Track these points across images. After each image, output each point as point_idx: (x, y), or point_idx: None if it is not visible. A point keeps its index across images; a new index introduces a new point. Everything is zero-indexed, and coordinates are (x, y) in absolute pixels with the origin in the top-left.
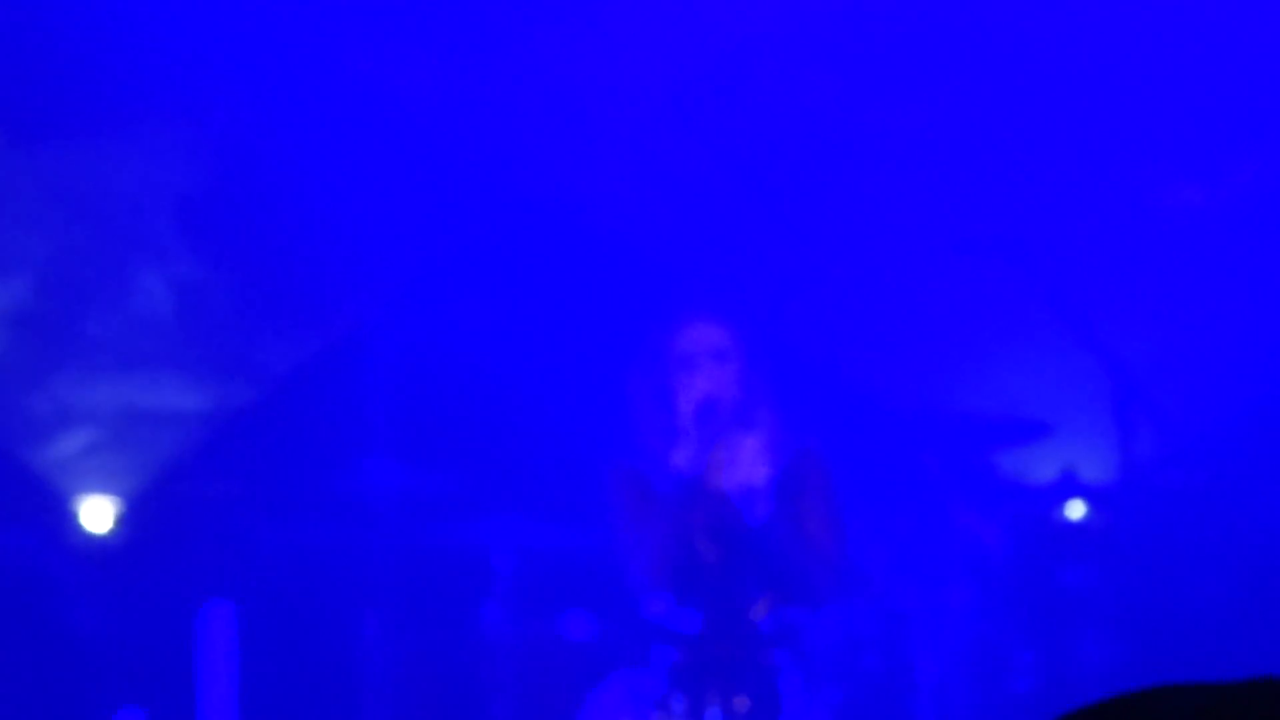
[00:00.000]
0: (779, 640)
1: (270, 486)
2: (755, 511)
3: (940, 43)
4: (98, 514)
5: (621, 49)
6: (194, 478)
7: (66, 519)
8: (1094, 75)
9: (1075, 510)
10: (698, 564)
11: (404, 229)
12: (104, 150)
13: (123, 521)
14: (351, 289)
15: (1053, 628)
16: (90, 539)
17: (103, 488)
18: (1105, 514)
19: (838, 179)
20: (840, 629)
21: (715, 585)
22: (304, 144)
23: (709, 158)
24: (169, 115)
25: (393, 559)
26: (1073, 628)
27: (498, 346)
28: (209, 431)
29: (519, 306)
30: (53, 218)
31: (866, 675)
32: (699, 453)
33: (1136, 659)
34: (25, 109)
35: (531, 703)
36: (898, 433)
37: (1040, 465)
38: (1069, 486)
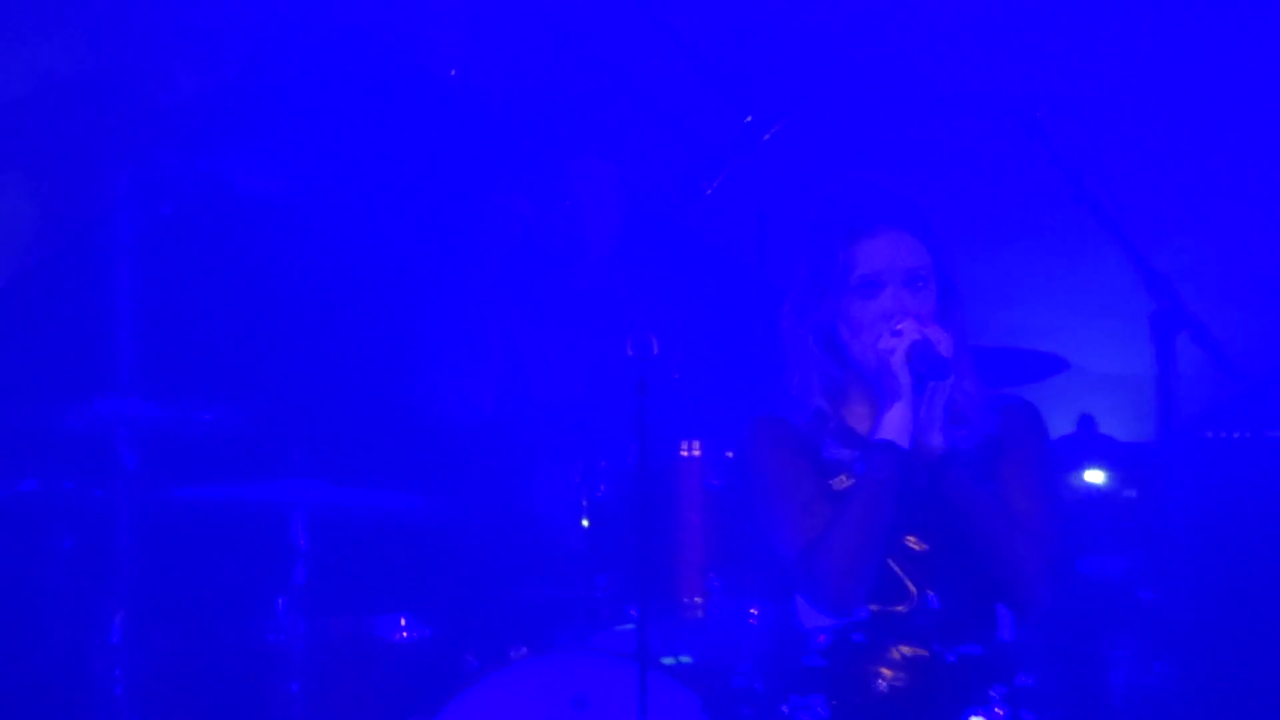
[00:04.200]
0: (995, 668)
1: None
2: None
3: None
4: None
5: None
6: None
7: None
8: None
9: (1094, 478)
10: (907, 563)
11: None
12: None
13: None
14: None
15: (1069, 634)
16: None
17: None
18: (1134, 483)
19: None
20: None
21: (926, 593)
22: None
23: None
24: None
25: (143, 531)
26: (1092, 634)
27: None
28: None
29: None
30: None
31: None
32: (896, 409)
33: (1178, 681)
34: None
35: None
36: None
37: (1052, 412)
38: (1087, 443)
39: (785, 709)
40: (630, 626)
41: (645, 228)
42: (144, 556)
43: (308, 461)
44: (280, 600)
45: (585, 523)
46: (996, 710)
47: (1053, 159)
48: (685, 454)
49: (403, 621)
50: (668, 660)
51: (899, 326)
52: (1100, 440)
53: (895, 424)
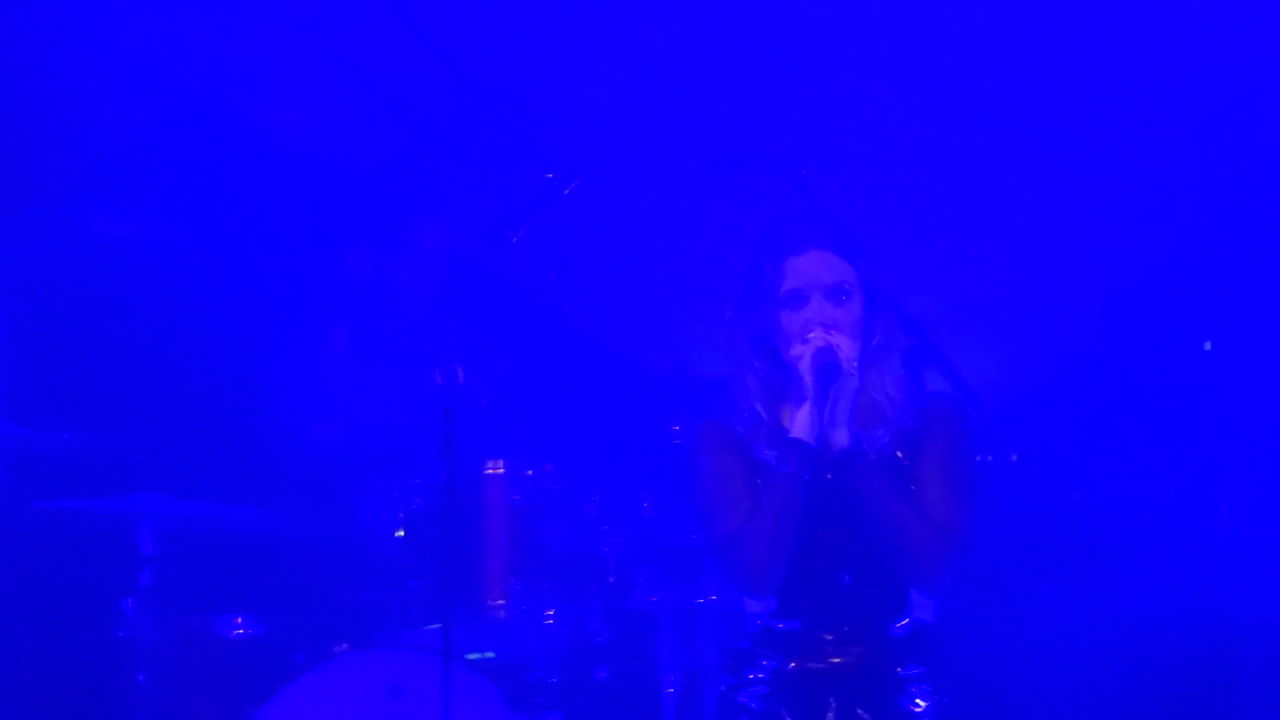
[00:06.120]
0: (911, 649)
1: None
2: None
3: None
4: None
5: None
6: None
7: None
8: None
9: None
10: (821, 550)
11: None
12: None
13: None
14: None
15: None
16: None
17: None
18: None
19: None
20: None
21: (840, 579)
22: None
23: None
24: None
25: (6, 538)
26: None
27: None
28: None
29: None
30: None
31: None
32: (803, 410)
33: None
34: None
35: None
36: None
37: None
38: None
39: (723, 689)
40: (439, 625)
41: (457, 273)
42: (6, 561)
43: (155, 477)
44: (129, 601)
45: (400, 533)
46: (917, 697)
47: (816, 213)
48: (490, 471)
49: (239, 620)
50: (473, 656)
51: (809, 335)
52: None
53: (802, 424)
